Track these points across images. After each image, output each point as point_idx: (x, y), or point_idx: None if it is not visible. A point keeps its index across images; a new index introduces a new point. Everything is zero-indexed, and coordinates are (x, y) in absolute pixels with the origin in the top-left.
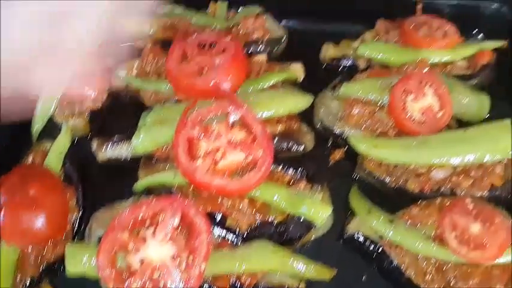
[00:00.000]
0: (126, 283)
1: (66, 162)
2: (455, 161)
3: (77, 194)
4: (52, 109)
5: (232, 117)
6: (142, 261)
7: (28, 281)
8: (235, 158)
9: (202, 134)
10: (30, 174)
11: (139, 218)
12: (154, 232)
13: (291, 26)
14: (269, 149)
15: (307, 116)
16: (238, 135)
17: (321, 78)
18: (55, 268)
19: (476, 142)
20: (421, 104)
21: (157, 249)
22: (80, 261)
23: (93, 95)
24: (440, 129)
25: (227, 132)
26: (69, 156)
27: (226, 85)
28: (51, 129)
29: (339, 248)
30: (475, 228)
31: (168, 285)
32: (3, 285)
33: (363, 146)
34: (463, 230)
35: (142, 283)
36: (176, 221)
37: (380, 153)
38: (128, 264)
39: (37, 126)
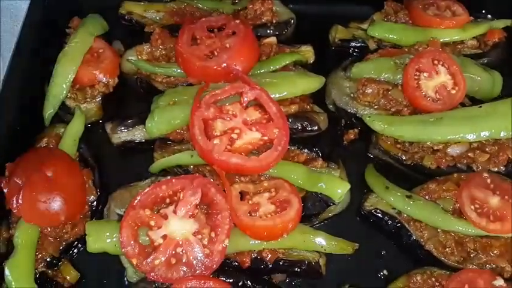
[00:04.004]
0: (149, 258)
1: (81, 146)
2: (471, 137)
3: (93, 175)
4: (64, 94)
5: (247, 98)
6: (165, 237)
7: (48, 259)
8: (251, 137)
9: (217, 115)
10: (47, 155)
11: (160, 196)
12: (175, 209)
13: (298, 9)
14: (285, 127)
15: (319, 97)
16: (253, 115)
17: (331, 60)
18: (74, 247)
19: (492, 118)
20: (435, 82)
21: (180, 225)
22: (100, 238)
23: (104, 79)
24: (455, 107)
25: (242, 113)
26: (84, 139)
27: (238, 66)
28: (63, 114)
29: (357, 224)
30: (494, 200)
31: (191, 260)
32: (24, 263)
33: (378, 124)
34: (481, 203)
35: (166, 258)
36: (198, 198)
37: (396, 130)
38: (150, 240)
39: (49, 111)
